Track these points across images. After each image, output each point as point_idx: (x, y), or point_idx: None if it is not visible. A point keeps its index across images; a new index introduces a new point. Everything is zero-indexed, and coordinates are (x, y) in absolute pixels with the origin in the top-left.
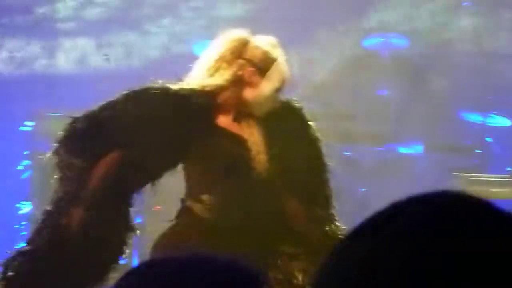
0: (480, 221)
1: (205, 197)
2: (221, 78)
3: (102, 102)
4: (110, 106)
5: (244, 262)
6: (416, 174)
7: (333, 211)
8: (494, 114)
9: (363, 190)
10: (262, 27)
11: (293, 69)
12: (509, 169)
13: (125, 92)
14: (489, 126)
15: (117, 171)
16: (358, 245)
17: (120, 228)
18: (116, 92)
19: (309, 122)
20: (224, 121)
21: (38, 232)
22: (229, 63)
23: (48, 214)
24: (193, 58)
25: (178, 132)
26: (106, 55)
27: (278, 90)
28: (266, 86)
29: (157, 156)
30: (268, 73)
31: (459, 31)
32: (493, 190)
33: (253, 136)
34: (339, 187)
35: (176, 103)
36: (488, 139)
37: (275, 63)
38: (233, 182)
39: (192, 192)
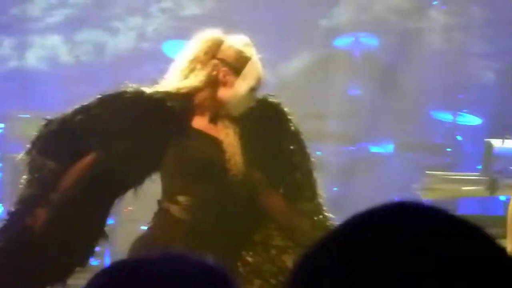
0: (465, 226)
1: (181, 198)
2: (196, 79)
3: (75, 106)
4: (83, 110)
5: (214, 261)
6: (388, 173)
7: (320, 201)
8: (465, 112)
9: (335, 189)
10: (232, 27)
11: (263, 68)
12: (479, 167)
13: (99, 96)
14: (460, 124)
15: (92, 176)
16: (337, 250)
17: (88, 234)
18: (87, 93)
19: (288, 116)
20: (200, 123)
21: (2, 231)
22: (203, 63)
23: (13, 215)
24: (162, 57)
25: (153, 136)
26: (76, 56)
27: (253, 89)
28: (241, 86)
29: (133, 161)
30: (243, 72)
31: (429, 30)
32: (464, 188)
33: (228, 137)
34: None
35: (151, 107)
36: (458, 138)
37: (250, 62)
38: (208, 184)
39: (168, 194)
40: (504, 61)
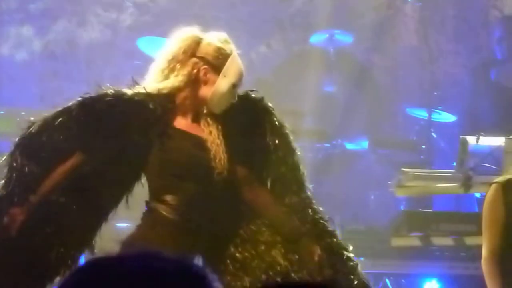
0: None
1: (168, 197)
2: (176, 79)
3: (54, 105)
4: (65, 112)
5: (192, 260)
6: (363, 170)
7: (309, 194)
8: (440, 109)
9: (310, 186)
10: (208, 24)
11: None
12: (454, 164)
13: (80, 98)
14: (435, 121)
15: (75, 179)
16: None
17: (70, 241)
18: (61, 89)
19: (271, 111)
20: (182, 122)
21: None
22: (183, 62)
23: None
24: (138, 53)
25: (136, 139)
26: (50, 51)
27: (234, 85)
28: (223, 83)
29: (116, 165)
30: (224, 69)
31: (404, 27)
32: (439, 185)
33: (211, 136)
34: None
35: (132, 109)
36: (433, 135)
37: (230, 59)
38: (194, 183)
39: (155, 194)
40: (478, 59)
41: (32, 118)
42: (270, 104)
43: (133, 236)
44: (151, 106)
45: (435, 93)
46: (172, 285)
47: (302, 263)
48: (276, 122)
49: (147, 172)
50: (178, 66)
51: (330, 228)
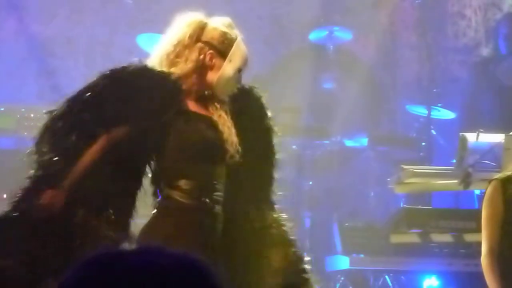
0: None
1: (182, 182)
2: (186, 66)
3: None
4: (90, 88)
5: (195, 257)
6: (362, 167)
7: (273, 201)
8: (439, 106)
9: (310, 183)
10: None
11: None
12: (454, 161)
13: (103, 72)
14: (434, 118)
15: (105, 158)
16: None
17: (114, 220)
18: (59, 86)
19: (267, 112)
20: (193, 105)
21: (16, 205)
22: (188, 47)
23: (25, 191)
24: (137, 50)
25: (158, 113)
26: (49, 48)
27: (240, 70)
28: (228, 67)
29: (141, 141)
30: (229, 54)
31: (402, 24)
32: (438, 182)
33: (222, 118)
34: (286, 180)
35: (155, 80)
36: (433, 132)
37: (235, 44)
38: (208, 165)
39: (167, 181)
40: (477, 55)
41: (32, 115)
42: (267, 105)
43: (151, 225)
44: (169, 83)
45: (435, 90)
46: (175, 281)
47: None
48: (272, 124)
49: (161, 157)
50: (185, 51)
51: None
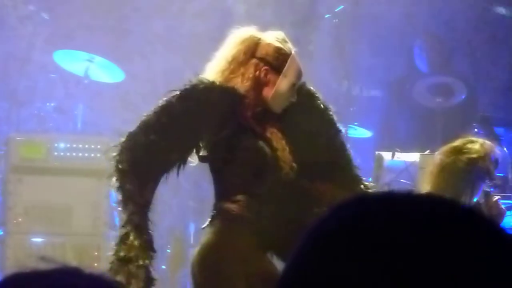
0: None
1: (240, 197)
2: (243, 85)
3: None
4: (165, 110)
5: (110, 278)
6: None
7: (358, 171)
8: (355, 125)
9: None
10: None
11: None
12: (370, 179)
13: (176, 92)
14: (350, 137)
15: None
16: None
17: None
18: None
19: (315, 94)
20: (250, 121)
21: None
22: (243, 64)
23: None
24: (53, 66)
25: (224, 125)
26: None
27: (294, 85)
28: (283, 83)
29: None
30: (284, 69)
31: (320, 43)
32: None
33: (275, 135)
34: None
35: (222, 96)
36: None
37: (289, 59)
38: (264, 182)
39: (225, 195)
40: (394, 75)
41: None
42: (312, 88)
43: (213, 239)
44: (235, 97)
45: (351, 108)
46: None
47: None
48: (321, 105)
49: (218, 170)
50: (240, 68)
51: None
